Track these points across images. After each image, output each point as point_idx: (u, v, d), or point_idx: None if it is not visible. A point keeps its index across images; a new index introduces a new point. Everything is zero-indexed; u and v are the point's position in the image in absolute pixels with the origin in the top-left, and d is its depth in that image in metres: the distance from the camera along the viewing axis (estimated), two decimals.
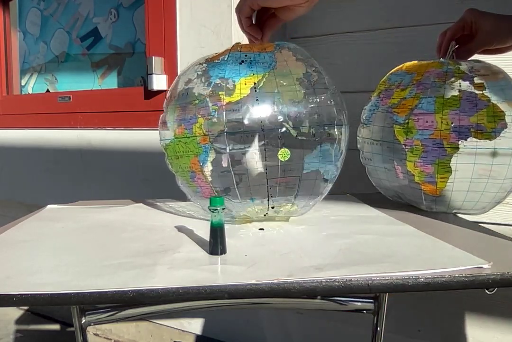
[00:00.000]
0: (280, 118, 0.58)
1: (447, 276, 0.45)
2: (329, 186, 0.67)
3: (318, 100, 0.61)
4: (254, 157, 0.58)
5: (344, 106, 0.66)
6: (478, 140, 0.65)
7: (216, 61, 0.61)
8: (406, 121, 0.68)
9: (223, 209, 0.53)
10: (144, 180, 1.40)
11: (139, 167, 1.41)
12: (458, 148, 0.66)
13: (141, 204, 0.82)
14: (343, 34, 1.27)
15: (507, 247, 0.56)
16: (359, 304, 0.79)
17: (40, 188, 1.68)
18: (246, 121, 0.57)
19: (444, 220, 0.70)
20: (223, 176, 0.59)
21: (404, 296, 1.17)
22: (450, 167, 0.67)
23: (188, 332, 1.46)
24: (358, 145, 0.80)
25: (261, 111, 0.58)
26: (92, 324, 0.71)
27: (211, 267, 0.49)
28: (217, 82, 0.59)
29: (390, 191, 0.77)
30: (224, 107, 0.57)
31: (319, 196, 0.66)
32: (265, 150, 0.58)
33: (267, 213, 0.63)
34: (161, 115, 0.65)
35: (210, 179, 0.60)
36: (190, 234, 0.62)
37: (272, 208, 0.62)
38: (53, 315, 1.72)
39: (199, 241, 0.58)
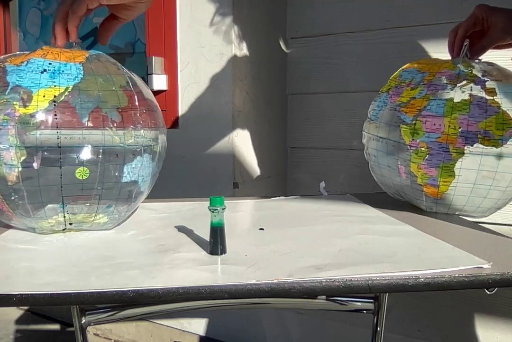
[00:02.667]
0: (83, 137, 0.54)
1: (447, 276, 0.45)
2: (142, 197, 0.65)
3: (143, 111, 0.59)
4: (48, 173, 0.54)
5: (163, 123, 0.65)
6: (484, 147, 0.65)
7: (17, 65, 0.56)
8: (414, 122, 0.68)
9: (223, 209, 0.53)
10: None
11: None
12: (463, 153, 0.65)
13: (141, 204, 0.82)
14: (343, 34, 1.27)
15: (507, 247, 0.56)
16: (359, 304, 0.79)
17: None
18: (39, 136, 0.53)
19: (444, 219, 0.70)
20: (15, 189, 0.55)
21: (404, 296, 1.17)
22: (454, 172, 0.66)
23: (188, 332, 1.46)
24: (363, 140, 0.80)
25: (59, 126, 0.54)
26: (92, 324, 0.71)
27: (211, 267, 0.49)
28: (13, 90, 0.54)
29: (392, 188, 0.77)
30: (16, 119, 0.53)
31: (130, 206, 0.63)
32: (60, 167, 0.54)
33: (65, 228, 0.61)
34: None
35: None
36: (190, 234, 0.62)
37: (71, 224, 0.60)
38: (53, 315, 1.72)
39: (199, 241, 0.58)
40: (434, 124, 0.66)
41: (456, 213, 0.72)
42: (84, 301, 0.43)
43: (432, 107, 0.67)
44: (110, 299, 0.43)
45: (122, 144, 0.57)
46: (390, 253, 0.53)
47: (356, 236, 0.60)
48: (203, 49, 1.25)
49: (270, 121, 1.36)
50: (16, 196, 0.55)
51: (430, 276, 0.45)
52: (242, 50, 1.24)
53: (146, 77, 1.32)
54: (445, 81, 0.68)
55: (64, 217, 0.58)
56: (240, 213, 0.76)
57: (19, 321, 1.72)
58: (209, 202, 0.53)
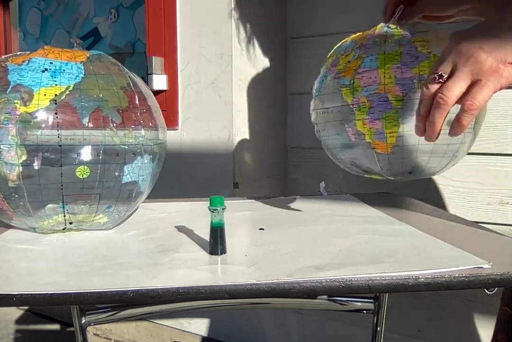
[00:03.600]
0: (84, 138, 0.54)
1: (447, 276, 0.45)
2: (142, 197, 0.65)
3: (144, 110, 0.60)
4: (48, 173, 0.54)
5: (163, 123, 0.66)
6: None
7: (18, 64, 0.56)
8: (352, 81, 0.69)
9: (223, 209, 0.53)
10: None
11: None
12: (402, 100, 0.66)
13: (141, 204, 0.82)
14: (343, 34, 1.27)
15: (507, 247, 0.56)
16: (359, 304, 0.79)
17: None
18: (40, 135, 0.53)
19: (445, 219, 0.70)
20: (15, 188, 0.55)
21: (404, 296, 1.17)
22: (398, 121, 0.66)
23: (188, 332, 1.46)
24: (312, 119, 0.80)
25: (59, 126, 0.54)
26: (92, 324, 0.71)
27: (211, 267, 0.49)
28: (14, 89, 0.54)
29: (346, 160, 0.77)
30: (17, 117, 0.53)
31: (130, 206, 0.63)
32: (61, 166, 0.54)
33: (65, 227, 0.61)
34: None
35: None
36: (190, 234, 0.62)
37: (71, 223, 0.60)
38: (53, 315, 1.72)
39: (199, 241, 0.58)
40: (370, 78, 0.67)
41: (414, 169, 0.70)
42: (84, 301, 0.43)
43: (366, 64, 0.68)
44: (110, 299, 0.43)
45: (122, 145, 0.57)
46: (390, 253, 0.53)
47: (356, 236, 0.60)
48: (203, 49, 1.25)
49: (270, 121, 1.36)
50: (17, 195, 0.55)
51: (430, 276, 0.45)
52: (242, 50, 1.24)
53: (146, 77, 1.32)
54: (375, 40, 0.70)
55: (64, 216, 0.58)
56: (240, 213, 0.76)
57: (19, 321, 1.72)
58: (209, 202, 0.53)
